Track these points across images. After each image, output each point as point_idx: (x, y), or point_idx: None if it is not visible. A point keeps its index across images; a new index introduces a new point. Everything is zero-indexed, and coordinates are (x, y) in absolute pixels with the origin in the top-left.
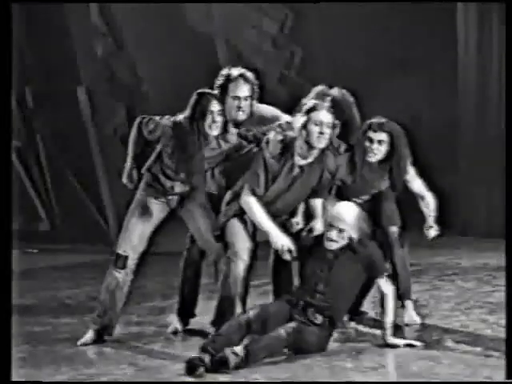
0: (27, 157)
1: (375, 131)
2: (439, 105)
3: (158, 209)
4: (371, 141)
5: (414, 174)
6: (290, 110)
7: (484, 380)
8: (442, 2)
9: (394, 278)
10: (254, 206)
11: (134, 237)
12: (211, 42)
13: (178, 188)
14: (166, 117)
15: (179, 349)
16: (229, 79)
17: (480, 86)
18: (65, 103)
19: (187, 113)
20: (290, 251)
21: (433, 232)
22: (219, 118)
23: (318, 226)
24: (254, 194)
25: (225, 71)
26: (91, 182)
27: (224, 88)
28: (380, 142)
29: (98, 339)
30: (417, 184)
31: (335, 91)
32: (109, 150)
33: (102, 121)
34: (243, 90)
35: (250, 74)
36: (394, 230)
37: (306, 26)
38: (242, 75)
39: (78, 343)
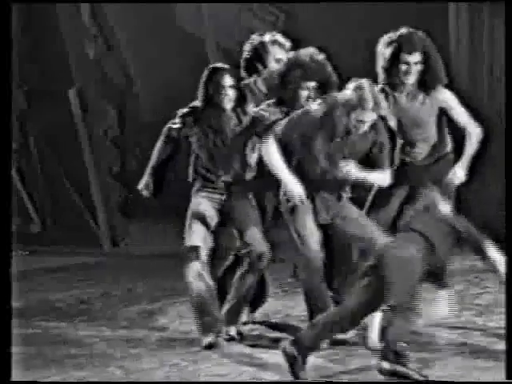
0: (19, 158)
1: (410, 53)
2: None
3: (210, 206)
4: (407, 64)
5: (456, 100)
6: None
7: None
8: (442, 2)
9: None
10: (274, 156)
11: (199, 230)
12: (202, 43)
13: (224, 177)
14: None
15: (167, 352)
16: (264, 45)
17: (472, 84)
18: (57, 104)
19: (200, 91)
20: (302, 202)
21: (460, 175)
22: (231, 92)
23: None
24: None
25: (254, 39)
26: (82, 184)
27: (259, 55)
28: (417, 63)
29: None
30: (459, 112)
31: (302, 52)
32: (100, 151)
33: (93, 122)
34: (281, 53)
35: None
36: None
37: (297, 28)
38: (275, 41)
39: (202, 345)
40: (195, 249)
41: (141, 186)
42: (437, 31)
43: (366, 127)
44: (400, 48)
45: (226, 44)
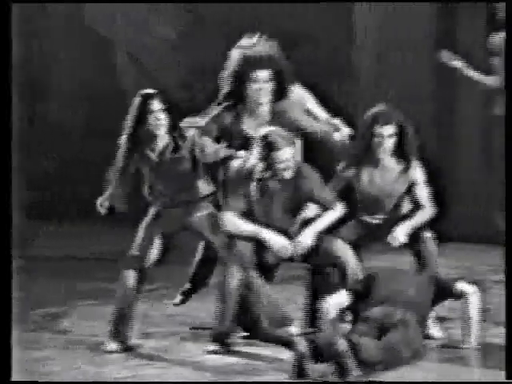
0: None
1: (384, 125)
2: None
3: (166, 218)
4: (381, 136)
5: (423, 177)
6: (187, 114)
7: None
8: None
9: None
10: (238, 224)
11: (147, 241)
12: (112, 45)
13: (154, 199)
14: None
15: (72, 356)
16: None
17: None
18: None
19: (132, 118)
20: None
21: (400, 239)
22: (162, 116)
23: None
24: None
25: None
26: None
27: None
28: (391, 136)
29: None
30: (420, 188)
31: (244, 42)
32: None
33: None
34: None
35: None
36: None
37: (204, 29)
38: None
39: (103, 350)
40: (134, 258)
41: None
42: (341, 31)
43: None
44: (375, 120)
45: (133, 47)
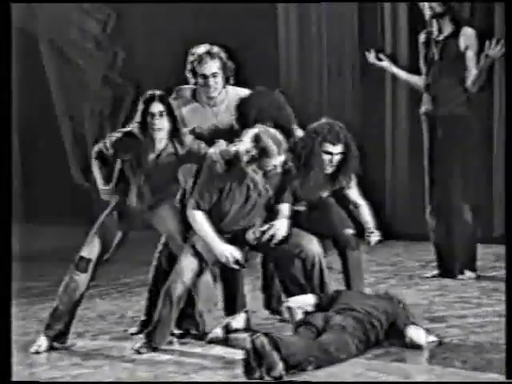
0: None
1: (334, 144)
2: None
3: (124, 219)
4: (330, 154)
5: (354, 182)
6: (114, 109)
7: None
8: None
9: (346, 282)
10: (197, 218)
11: (98, 243)
12: (36, 41)
13: (138, 204)
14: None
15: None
16: (195, 58)
17: (301, 82)
18: None
19: (137, 119)
20: (237, 262)
21: (374, 238)
22: (162, 120)
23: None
24: (198, 207)
25: (192, 50)
26: None
27: (193, 68)
28: (339, 154)
29: (51, 347)
30: (354, 192)
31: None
32: None
33: None
34: (210, 67)
35: (217, 50)
36: (349, 232)
37: (129, 26)
38: (207, 52)
39: (31, 350)
40: (86, 261)
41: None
42: (265, 32)
43: (278, 170)
44: (325, 139)
45: (59, 43)
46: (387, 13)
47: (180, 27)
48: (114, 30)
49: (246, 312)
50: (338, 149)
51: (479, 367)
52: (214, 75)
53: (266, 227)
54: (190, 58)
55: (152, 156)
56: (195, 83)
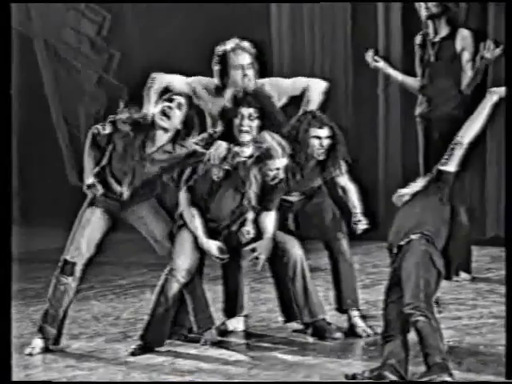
0: None
1: (320, 127)
2: None
3: (105, 215)
4: (319, 138)
5: (344, 168)
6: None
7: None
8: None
9: (337, 288)
10: (188, 208)
11: (82, 244)
12: (30, 42)
13: (127, 193)
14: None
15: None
16: (226, 52)
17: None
18: None
19: (158, 109)
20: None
21: (361, 226)
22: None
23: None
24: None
25: (220, 47)
26: None
27: (224, 64)
28: (327, 138)
29: (46, 349)
30: (344, 177)
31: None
32: None
33: None
34: (244, 58)
35: (247, 44)
36: (341, 237)
37: (124, 28)
38: (238, 45)
39: (26, 352)
40: (66, 263)
41: (89, 183)
42: (258, 32)
43: (281, 174)
44: (311, 124)
45: (54, 44)
46: (380, 13)
47: (175, 29)
48: (110, 32)
49: (246, 316)
50: (325, 132)
51: (474, 369)
52: (249, 67)
53: (250, 246)
54: (220, 52)
55: (150, 150)
56: (222, 79)
